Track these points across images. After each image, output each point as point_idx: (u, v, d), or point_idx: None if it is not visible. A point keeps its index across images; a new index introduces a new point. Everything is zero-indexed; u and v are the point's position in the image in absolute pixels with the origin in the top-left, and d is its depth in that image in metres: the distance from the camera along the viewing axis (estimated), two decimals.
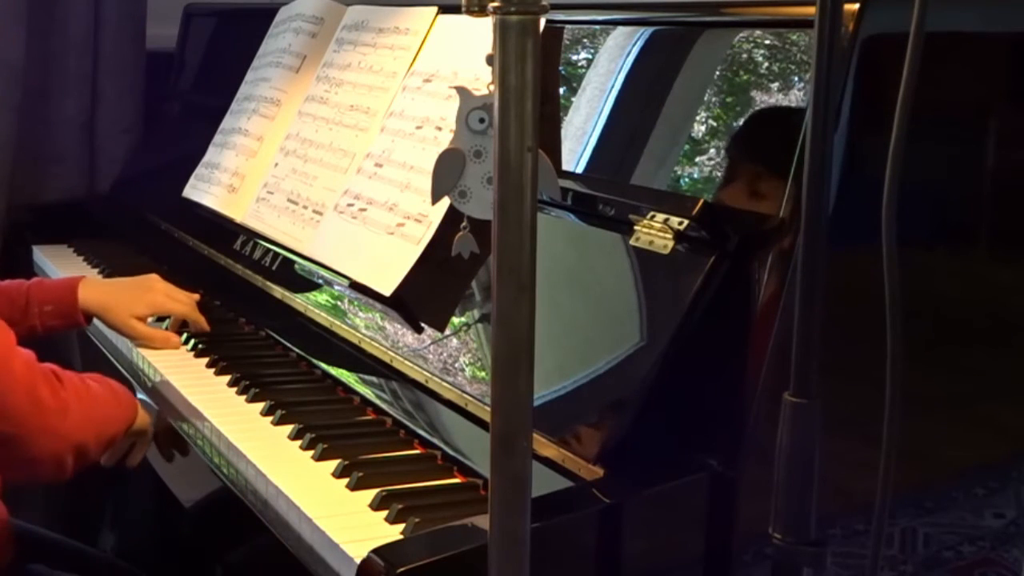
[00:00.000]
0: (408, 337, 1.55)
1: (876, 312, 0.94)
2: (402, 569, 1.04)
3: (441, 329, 1.49)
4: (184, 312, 1.88)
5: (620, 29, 1.49)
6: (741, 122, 1.30)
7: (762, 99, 1.28)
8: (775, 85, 1.27)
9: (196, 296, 1.92)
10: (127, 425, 1.62)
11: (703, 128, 1.34)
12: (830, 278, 0.96)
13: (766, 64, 1.29)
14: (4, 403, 1.42)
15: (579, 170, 1.46)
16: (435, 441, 1.41)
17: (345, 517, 1.26)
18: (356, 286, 1.62)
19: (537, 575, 0.93)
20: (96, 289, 1.87)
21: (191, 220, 2.22)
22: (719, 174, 1.30)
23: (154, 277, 1.93)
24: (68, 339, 2.23)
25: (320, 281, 1.80)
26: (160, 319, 1.91)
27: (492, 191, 0.88)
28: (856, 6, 1.16)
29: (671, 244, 1.26)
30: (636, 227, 1.31)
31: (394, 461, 1.40)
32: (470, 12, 0.94)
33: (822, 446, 0.98)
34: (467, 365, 1.43)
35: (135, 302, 1.86)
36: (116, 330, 1.86)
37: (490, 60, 0.87)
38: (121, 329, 1.85)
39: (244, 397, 1.61)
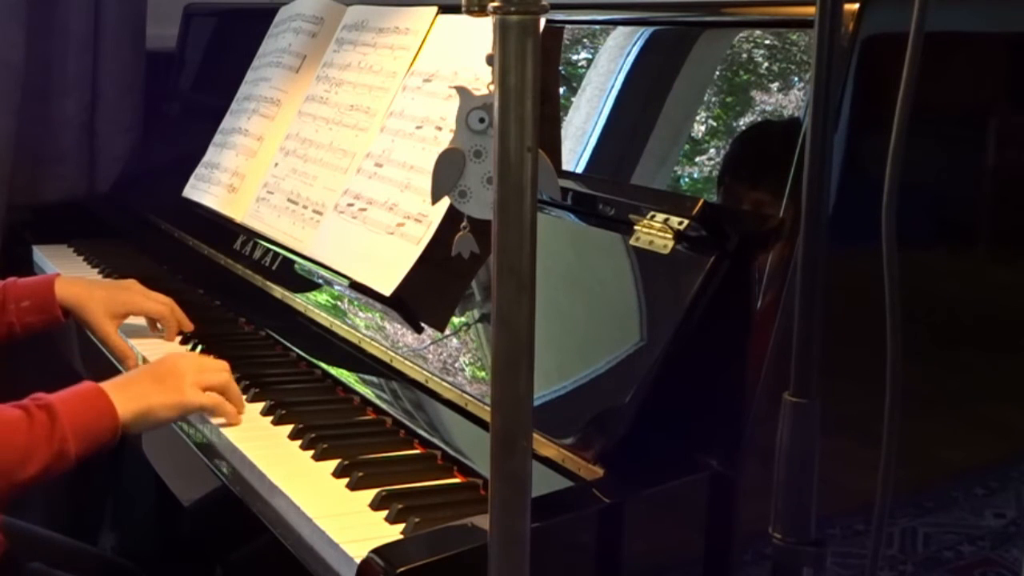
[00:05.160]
0: (408, 337, 1.55)
1: (876, 312, 0.94)
2: (402, 569, 1.04)
3: (441, 329, 1.49)
4: (161, 312, 1.87)
5: (620, 29, 1.49)
6: (741, 122, 1.30)
7: (762, 99, 1.28)
8: (775, 85, 1.27)
9: (171, 300, 1.91)
10: (86, 450, 1.40)
11: (703, 128, 1.34)
12: (830, 278, 0.96)
13: (766, 64, 1.29)
14: None
15: (579, 170, 1.46)
16: (435, 441, 1.41)
17: (345, 517, 1.26)
18: (356, 286, 1.62)
19: (537, 575, 0.93)
20: (73, 284, 1.88)
21: (191, 220, 2.22)
22: (719, 174, 1.30)
23: (131, 280, 1.94)
24: (68, 340, 2.22)
25: (320, 281, 1.80)
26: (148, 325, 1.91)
27: (492, 191, 0.88)
28: (856, 6, 1.16)
29: (671, 244, 1.26)
30: (636, 227, 1.31)
31: (394, 461, 1.40)
32: (470, 12, 0.94)
33: (822, 446, 0.98)
34: (467, 365, 1.43)
35: (111, 300, 1.86)
36: (90, 328, 1.86)
37: (490, 60, 0.87)
38: (95, 328, 1.84)
39: (244, 397, 1.61)
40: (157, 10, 2.87)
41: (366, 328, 1.65)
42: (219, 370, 1.55)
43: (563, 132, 1.50)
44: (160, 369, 1.52)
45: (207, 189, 2.15)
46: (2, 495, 1.37)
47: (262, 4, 2.48)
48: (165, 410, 1.48)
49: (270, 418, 1.53)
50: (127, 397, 1.45)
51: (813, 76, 0.94)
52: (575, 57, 1.55)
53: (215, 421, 1.52)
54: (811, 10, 0.94)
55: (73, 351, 2.23)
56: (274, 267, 1.93)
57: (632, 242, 1.30)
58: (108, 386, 1.46)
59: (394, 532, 1.22)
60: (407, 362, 1.52)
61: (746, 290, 1.20)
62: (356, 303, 1.71)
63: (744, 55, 1.31)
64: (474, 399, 1.37)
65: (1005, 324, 1.34)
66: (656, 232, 1.28)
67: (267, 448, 1.45)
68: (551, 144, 1.49)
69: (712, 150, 1.32)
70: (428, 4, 1.80)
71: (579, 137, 1.48)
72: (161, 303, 1.88)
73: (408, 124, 1.68)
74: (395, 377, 1.54)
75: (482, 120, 0.94)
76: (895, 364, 0.94)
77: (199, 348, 1.81)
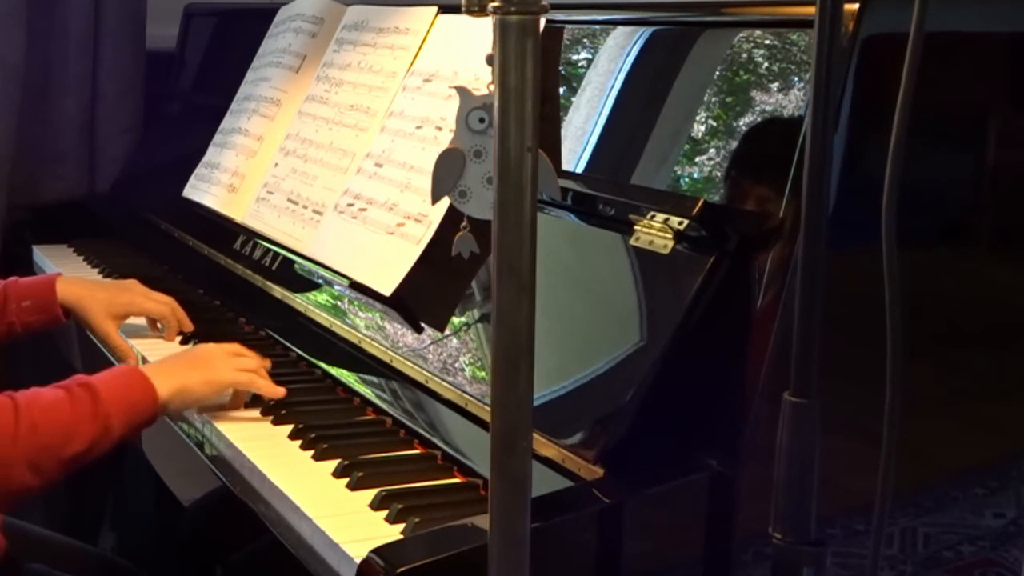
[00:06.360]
0: (408, 337, 1.55)
1: (876, 312, 0.94)
2: (402, 569, 1.04)
3: (441, 329, 1.49)
4: (161, 312, 1.88)
5: (620, 29, 1.49)
6: (741, 122, 1.30)
7: (762, 99, 1.28)
8: (775, 85, 1.27)
9: (172, 299, 1.91)
10: (129, 426, 1.43)
11: (703, 128, 1.34)
12: (830, 278, 0.96)
13: (766, 64, 1.29)
14: None
15: (579, 170, 1.46)
16: (435, 441, 1.41)
17: (345, 517, 1.26)
18: (356, 286, 1.62)
19: (537, 575, 0.93)
20: (74, 284, 1.88)
21: (191, 220, 2.22)
22: (719, 174, 1.30)
23: (132, 281, 1.94)
24: (68, 340, 2.23)
25: (320, 281, 1.80)
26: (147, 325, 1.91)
27: (492, 191, 0.88)
28: (856, 6, 1.16)
29: (671, 244, 1.26)
30: (636, 227, 1.31)
31: (394, 461, 1.40)
32: (470, 12, 0.94)
33: (822, 446, 0.98)
34: (467, 365, 1.43)
35: (112, 301, 1.86)
36: (90, 329, 1.86)
37: (490, 60, 0.87)
38: (96, 328, 1.85)
39: (244, 398, 1.61)
40: (157, 10, 2.87)
41: (366, 328, 1.65)
42: (251, 356, 1.61)
43: (563, 132, 1.50)
44: (193, 352, 1.60)
45: (207, 189, 2.15)
46: (53, 473, 1.38)
47: (262, 4, 2.48)
48: (200, 386, 1.52)
49: (270, 418, 1.53)
50: (163, 375, 1.49)
51: (813, 76, 0.94)
52: (575, 57, 1.55)
53: (231, 412, 1.55)
54: (811, 10, 0.94)
55: (73, 351, 2.23)
56: (274, 267, 1.93)
57: (632, 242, 1.30)
58: (144, 368, 1.51)
59: (394, 532, 1.22)
60: (407, 362, 1.52)
61: (746, 290, 1.20)
62: (356, 303, 1.71)
63: (744, 55, 1.31)
64: (474, 399, 1.37)
65: (1005, 324, 1.34)
66: (656, 232, 1.28)
67: (267, 448, 1.45)
68: (551, 144, 1.49)
69: (712, 150, 1.32)
70: (428, 4, 1.80)
71: (579, 137, 1.48)
72: (162, 303, 1.89)
73: (408, 124, 1.68)
74: (395, 377, 1.54)
75: (482, 120, 0.94)
76: (895, 364, 0.94)
77: None
